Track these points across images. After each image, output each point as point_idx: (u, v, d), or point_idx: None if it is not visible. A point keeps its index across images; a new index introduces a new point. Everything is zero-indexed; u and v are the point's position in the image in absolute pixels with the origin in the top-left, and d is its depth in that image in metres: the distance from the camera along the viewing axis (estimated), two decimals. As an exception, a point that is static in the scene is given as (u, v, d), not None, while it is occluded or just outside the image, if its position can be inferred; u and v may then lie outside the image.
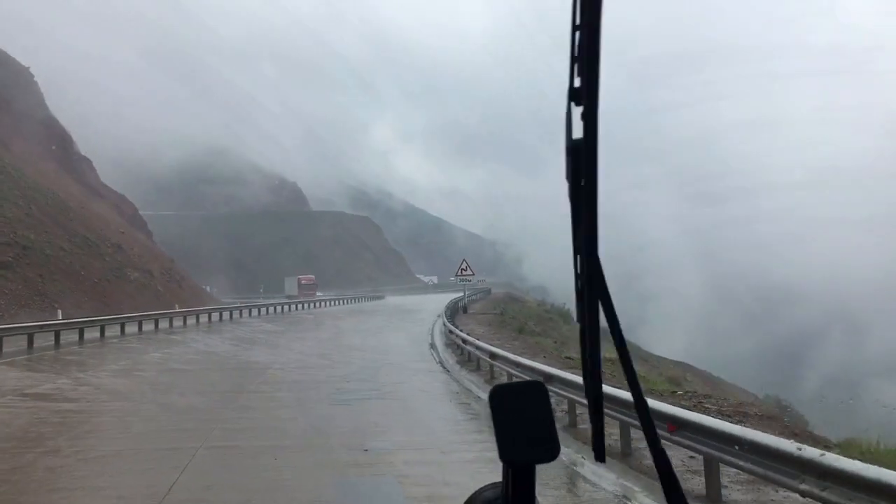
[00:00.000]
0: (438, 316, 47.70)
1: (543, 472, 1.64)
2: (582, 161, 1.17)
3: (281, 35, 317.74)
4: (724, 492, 8.54)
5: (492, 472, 1.39)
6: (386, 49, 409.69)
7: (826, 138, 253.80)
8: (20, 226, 53.18)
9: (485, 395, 16.77)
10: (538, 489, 1.41)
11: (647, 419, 1.28)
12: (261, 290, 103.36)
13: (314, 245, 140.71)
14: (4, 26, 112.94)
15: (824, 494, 5.97)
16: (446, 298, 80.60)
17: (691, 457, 9.73)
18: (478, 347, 20.09)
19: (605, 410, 1.41)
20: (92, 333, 33.54)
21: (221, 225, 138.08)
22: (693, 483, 9.00)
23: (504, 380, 19.66)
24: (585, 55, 1.10)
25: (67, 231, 59.79)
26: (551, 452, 1.47)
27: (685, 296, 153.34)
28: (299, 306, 68.29)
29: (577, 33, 1.10)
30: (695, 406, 15.67)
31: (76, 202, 67.48)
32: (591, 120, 1.13)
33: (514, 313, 49.87)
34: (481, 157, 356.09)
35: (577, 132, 1.12)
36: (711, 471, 8.32)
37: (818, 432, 17.63)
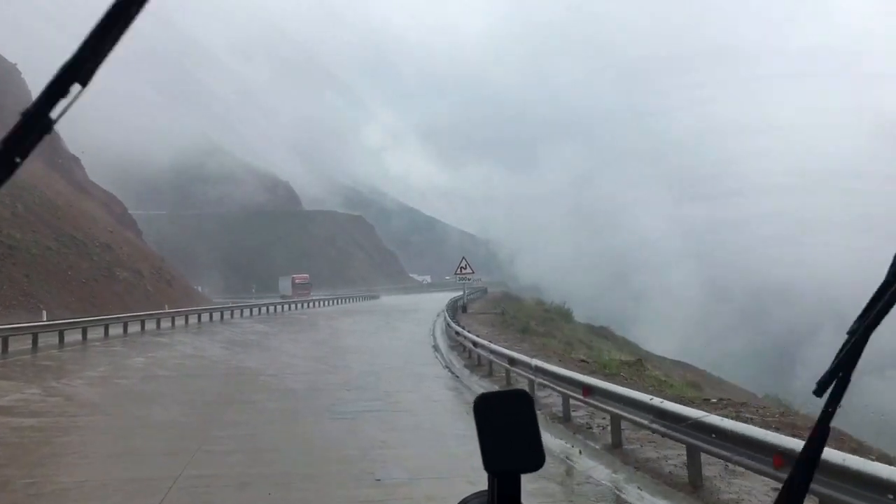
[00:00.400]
0: (438, 315, 45.74)
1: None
2: None
3: (274, 34, 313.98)
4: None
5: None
6: (379, 47, 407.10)
7: (817, 139, 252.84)
8: (5, 224, 51.13)
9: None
10: (523, 497, 1.40)
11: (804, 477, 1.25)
12: (253, 289, 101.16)
13: (307, 244, 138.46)
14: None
15: None
16: (442, 298, 78.67)
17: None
18: (492, 352, 18.03)
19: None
20: (74, 336, 31.39)
21: (214, 224, 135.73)
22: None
23: (523, 387, 17.65)
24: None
25: (54, 230, 57.83)
26: (536, 461, 1.51)
27: (679, 294, 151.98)
28: (293, 306, 66.09)
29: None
30: (736, 417, 13.74)
31: (63, 200, 65.37)
32: None
33: (515, 313, 47.84)
34: (474, 155, 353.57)
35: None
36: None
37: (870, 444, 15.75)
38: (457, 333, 24.64)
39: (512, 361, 15.91)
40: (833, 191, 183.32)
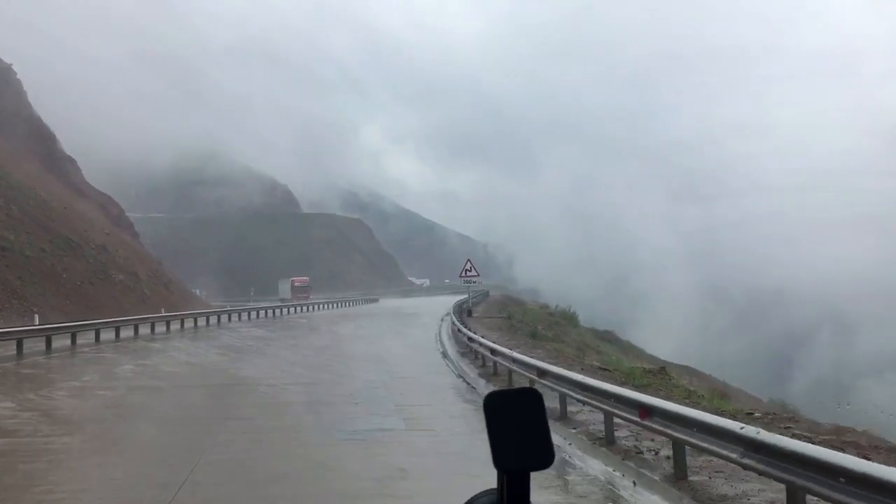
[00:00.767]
0: (442, 320, 43.86)
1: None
2: None
3: (272, 37, 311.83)
4: None
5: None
6: (377, 50, 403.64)
7: (815, 140, 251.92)
8: (-1, 226, 49.54)
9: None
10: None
11: None
12: (252, 293, 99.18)
13: (306, 247, 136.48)
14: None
15: None
16: (442, 301, 76.69)
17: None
18: (515, 361, 16.10)
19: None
20: (63, 341, 29.47)
21: (212, 227, 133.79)
22: None
23: (546, 402, 15.76)
24: None
25: (49, 232, 56.06)
26: (546, 460, 1.57)
27: (677, 296, 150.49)
28: (291, 310, 64.10)
29: None
30: (783, 432, 11.90)
31: (59, 202, 63.55)
32: None
33: (521, 317, 46.05)
34: (472, 158, 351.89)
35: None
36: None
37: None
38: (469, 340, 22.73)
39: (542, 373, 14.00)
40: (831, 193, 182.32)
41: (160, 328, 38.48)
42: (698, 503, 8.53)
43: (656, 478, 9.65)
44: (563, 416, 13.66)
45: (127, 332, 34.52)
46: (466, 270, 42.30)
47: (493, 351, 18.39)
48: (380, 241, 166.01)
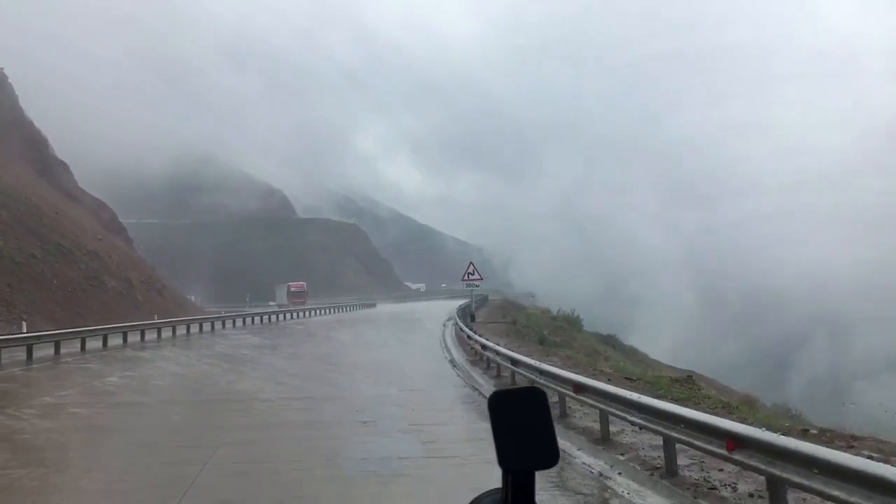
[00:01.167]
0: (444, 325, 41.88)
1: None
2: None
3: (268, 42, 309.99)
4: None
5: None
6: (372, 55, 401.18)
7: (812, 141, 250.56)
8: (-12, 232, 47.69)
9: (587, 459, 10.79)
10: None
11: None
12: (247, 298, 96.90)
13: (301, 252, 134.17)
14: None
15: None
16: (440, 306, 74.66)
17: None
18: (543, 373, 14.01)
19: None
20: (46, 350, 27.33)
21: (207, 233, 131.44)
22: None
23: (582, 420, 13.70)
24: None
25: (39, 237, 54.02)
26: (551, 459, 1.54)
27: (673, 299, 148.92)
28: (288, 316, 61.87)
29: None
30: (848, 450, 9.87)
31: (50, 207, 61.40)
32: None
33: (525, 321, 44.01)
34: (467, 163, 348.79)
35: None
36: None
37: None
38: (483, 347, 20.61)
39: (579, 388, 11.92)
40: (827, 194, 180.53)
41: (151, 335, 36.33)
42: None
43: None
44: (606, 439, 11.62)
45: (116, 341, 32.39)
46: (469, 274, 40.24)
47: (514, 361, 16.27)
48: (376, 246, 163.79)
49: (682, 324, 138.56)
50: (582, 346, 38.92)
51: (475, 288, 40.97)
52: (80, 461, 10.86)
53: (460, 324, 30.38)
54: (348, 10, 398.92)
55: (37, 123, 77.14)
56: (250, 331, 45.41)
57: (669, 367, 53.82)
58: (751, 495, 8.46)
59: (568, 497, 8.61)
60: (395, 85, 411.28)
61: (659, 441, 10.64)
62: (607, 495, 8.95)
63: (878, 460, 8.64)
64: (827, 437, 13.52)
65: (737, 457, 7.50)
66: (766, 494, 7.51)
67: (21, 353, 26.12)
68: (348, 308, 78.05)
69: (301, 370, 23.09)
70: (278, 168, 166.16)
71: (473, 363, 22.79)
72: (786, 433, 11.24)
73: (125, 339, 32.94)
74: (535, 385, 13.99)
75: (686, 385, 21.05)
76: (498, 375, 19.32)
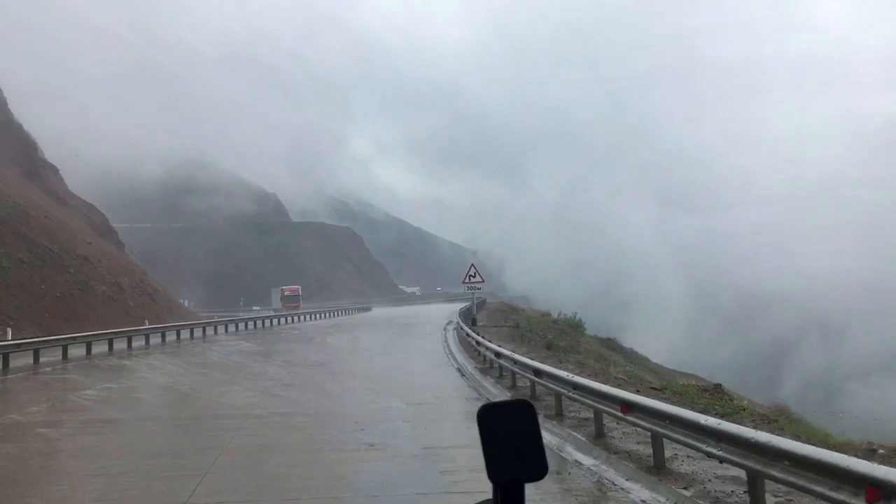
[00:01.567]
0: (444, 329, 40.00)
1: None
2: None
3: (261, 47, 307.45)
4: None
5: None
6: (365, 60, 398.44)
7: (803, 151, 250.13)
8: (-26, 237, 45.86)
9: (644, 494, 8.83)
10: None
11: None
12: (241, 303, 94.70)
13: (296, 256, 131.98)
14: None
15: None
16: (437, 309, 72.80)
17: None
18: (577, 387, 12.02)
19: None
20: (25, 359, 25.24)
21: (201, 237, 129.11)
22: None
23: (623, 441, 11.74)
24: None
25: (28, 242, 52.08)
26: (539, 471, 1.54)
27: (667, 303, 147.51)
28: (282, 320, 59.73)
29: None
30: None
31: (39, 211, 59.34)
32: None
33: (527, 325, 42.09)
34: (461, 166, 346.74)
35: None
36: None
37: None
38: (497, 355, 18.61)
39: (629, 406, 9.96)
40: (819, 202, 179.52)
41: (139, 342, 34.23)
42: None
43: None
44: (661, 467, 9.66)
45: (101, 348, 30.29)
46: (470, 276, 38.19)
47: (537, 371, 14.27)
48: (370, 250, 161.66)
49: (676, 327, 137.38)
50: (588, 351, 37.03)
51: (476, 291, 38.93)
52: (33, 497, 8.84)
53: (466, 329, 28.37)
54: (343, 14, 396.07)
55: (26, 126, 75.07)
56: (243, 336, 43.34)
57: (671, 370, 52.10)
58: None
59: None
60: (390, 89, 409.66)
61: (728, 470, 8.75)
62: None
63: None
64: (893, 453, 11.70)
65: (880, 506, 5.54)
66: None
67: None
68: (343, 312, 75.89)
69: (297, 380, 21.05)
70: (272, 172, 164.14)
71: (483, 371, 20.82)
72: (841, 448, 9.29)
73: (111, 347, 30.84)
74: (597, 416, 12.02)
75: (715, 395, 19.17)
76: (514, 386, 17.38)
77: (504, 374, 18.81)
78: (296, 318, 62.45)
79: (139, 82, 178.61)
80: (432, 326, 41.82)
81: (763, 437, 7.21)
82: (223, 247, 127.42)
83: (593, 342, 46.66)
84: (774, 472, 6.81)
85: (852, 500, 5.72)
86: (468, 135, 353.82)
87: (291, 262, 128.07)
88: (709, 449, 7.85)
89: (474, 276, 38.08)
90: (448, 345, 30.24)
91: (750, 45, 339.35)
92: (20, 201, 56.99)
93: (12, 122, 72.89)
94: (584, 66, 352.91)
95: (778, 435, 8.36)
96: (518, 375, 17.18)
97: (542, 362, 17.08)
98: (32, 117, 79.55)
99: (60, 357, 26.97)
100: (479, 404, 1.77)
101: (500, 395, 16.58)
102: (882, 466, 5.78)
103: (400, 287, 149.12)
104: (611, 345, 52.54)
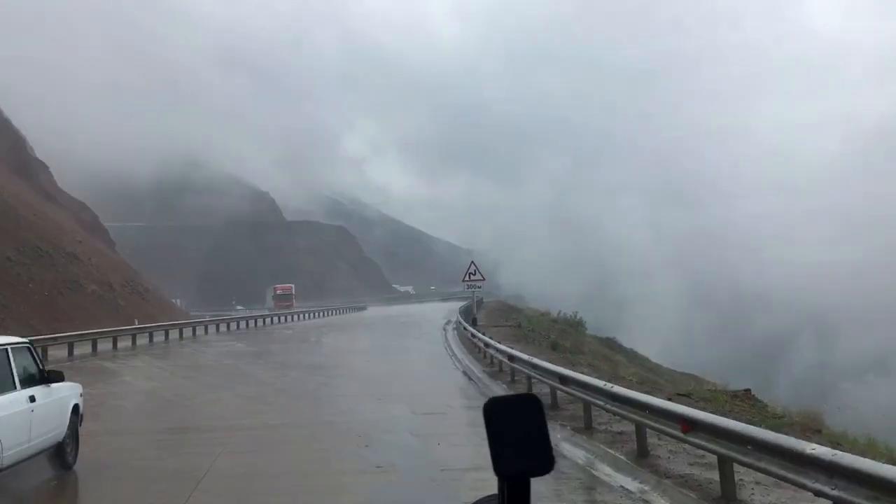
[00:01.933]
0: (444, 329, 38.34)
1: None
2: None
3: (255, 44, 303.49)
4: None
5: None
6: (359, 58, 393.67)
7: (798, 144, 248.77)
8: (-40, 234, 44.16)
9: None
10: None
11: None
12: (234, 302, 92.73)
13: (289, 256, 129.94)
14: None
15: None
16: (433, 308, 70.86)
17: None
18: (616, 398, 10.25)
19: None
20: None
21: (194, 236, 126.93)
22: None
23: (673, 462, 9.98)
24: None
25: (15, 239, 50.15)
26: (546, 465, 1.54)
27: (660, 299, 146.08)
28: (275, 320, 57.82)
29: None
30: None
31: (27, 208, 57.52)
32: None
33: (530, 325, 40.39)
34: (455, 165, 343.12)
35: None
36: None
37: None
38: (510, 358, 16.80)
39: (692, 424, 8.18)
40: (813, 197, 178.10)
41: (125, 342, 32.34)
42: None
43: None
44: (731, 498, 7.91)
45: (84, 349, 28.39)
46: (470, 274, 36.34)
47: (562, 378, 12.47)
48: (364, 249, 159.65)
49: (670, 324, 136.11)
50: (593, 352, 35.35)
51: (477, 289, 37.15)
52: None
53: (470, 329, 26.59)
54: (336, 11, 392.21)
55: (15, 122, 73.13)
56: (235, 336, 41.49)
57: (670, 370, 50.51)
58: None
59: None
60: (383, 87, 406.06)
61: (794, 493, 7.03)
62: None
63: None
64: None
65: None
66: None
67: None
68: (338, 311, 73.95)
69: (291, 385, 19.21)
70: (266, 170, 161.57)
71: (492, 376, 19.05)
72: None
73: (94, 348, 28.94)
74: (638, 433, 10.27)
75: (746, 402, 17.44)
76: (530, 392, 15.60)
77: (517, 378, 17.08)
78: (289, 318, 60.55)
79: (133, 80, 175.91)
80: (431, 326, 40.06)
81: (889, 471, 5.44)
82: (217, 246, 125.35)
83: (594, 342, 45.02)
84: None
85: None
86: (462, 134, 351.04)
87: (285, 261, 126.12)
88: (817, 486, 6.07)
89: (474, 274, 36.28)
90: (450, 346, 28.48)
91: (744, 39, 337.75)
92: (8, 198, 55.15)
93: (2, 118, 71.00)
94: (577, 63, 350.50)
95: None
96: (534, 380, 15.46)
97: (561, 367, 15.32)
98: (23, 115, 77.67)
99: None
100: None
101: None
102: None
103: (394, 286, 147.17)
104: (611, 344, 50.91)
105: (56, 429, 9.47)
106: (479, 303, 64.73)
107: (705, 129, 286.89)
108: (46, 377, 9.52)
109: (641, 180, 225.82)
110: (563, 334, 39.39)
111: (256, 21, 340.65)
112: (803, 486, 6.25)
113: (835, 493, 5.86)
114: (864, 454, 8.49)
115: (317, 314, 66.58)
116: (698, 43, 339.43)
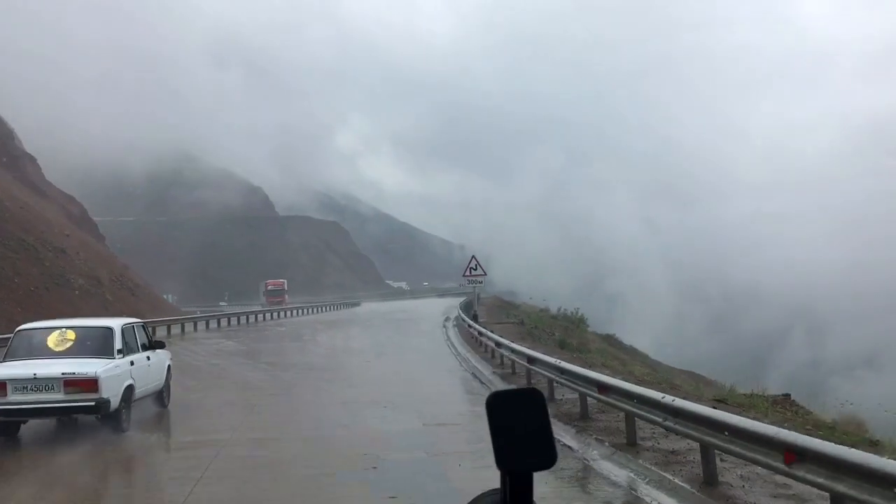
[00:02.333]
0: (443, 326, 36.56)
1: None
2: None
3: (248, 39, 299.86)
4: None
5: None
6: (352, 53, 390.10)
7: (789, 143, 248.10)
8: (-58, 228, 42.26)
9: None
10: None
11: None
12: (226, 297, 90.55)
13: (282, 251, 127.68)
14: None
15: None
16: (430, 304, 69.05)
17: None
18: (680, 413, 8.35)
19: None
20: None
21: (186, 231, 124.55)
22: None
23: (745, 491, 8.12)
24: None
25: (1, 232, 48.33)
26: (549, 460, 1.52)
27: (651, 295, 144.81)
28: (268, 316, 55.78)
29: None
30: None
31: (13, 201, 55.46)
32: None
33: (532, 322, 38.63)
34: (448, 161, 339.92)
35: None
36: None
37: None
38: (530, 361, 14.89)
39: (799, 455, 6.30)
40: (805, 195, 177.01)
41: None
42: None
43: None
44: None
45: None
46: (471, 269, 34.59)
47: (601, 387, 10.52)
48: (357, 244, 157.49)
49: (662, 320, 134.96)
50: (600, 350, 33.60)
51: (478, 284, 35.35)
52: None
53: (477, 328, 24.67)
54: (329, 7, 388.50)
55: (3, 115, 70.94)
56: (225, 333, 39.49)
57: (669, 367, 48.91)
58: None
59: None
60: (376, 82, 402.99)
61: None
62: None
63: None
64: None
65: None
66: None
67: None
68: (332, 307, 71.88)
69: (285, 389, 17.26)
70: (259, 165, 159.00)
71: (504, 378, 17.18)
72: None
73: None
74: (669, 430, 8.37)
75: (786, 407, 15.64)
76: (552, 398, 13.71)
77: (533, 382, 15.22)
78: (282, 314, 58.52)
79: (124, 72, 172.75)
80: (429, 323, 38.20)
81: None
82: (209, 241, 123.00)
83: (597, 339, 43.31)
84: None
85: None
86: (455, 129, 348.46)
87: (278, 256, 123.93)
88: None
89: (476, 269, 34.55)
90: (453, 344, 26.63)
91: (737, 38, 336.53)
92: (-7, 191, 53.29)
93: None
94: (570, 60, 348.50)
95: None
96: (556, 386, 13.60)
97: (585, 368, 13.43)
98: (12, 107, 75.58)
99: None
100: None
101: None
102: None
103: (387, 282, 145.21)
104: (611, 341, 49.27)
105: (158, 380, 13.60)
106: (477, 299, 62.97)
107: (697, 126, 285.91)
108: (154, 345, 13.57)
109: (634, 177, 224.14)
110: (565, 331, 37.61)
111: (250, 16, 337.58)
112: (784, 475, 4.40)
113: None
114: None
115: (309, 310, 64.50)
116: (691, 41, 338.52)
